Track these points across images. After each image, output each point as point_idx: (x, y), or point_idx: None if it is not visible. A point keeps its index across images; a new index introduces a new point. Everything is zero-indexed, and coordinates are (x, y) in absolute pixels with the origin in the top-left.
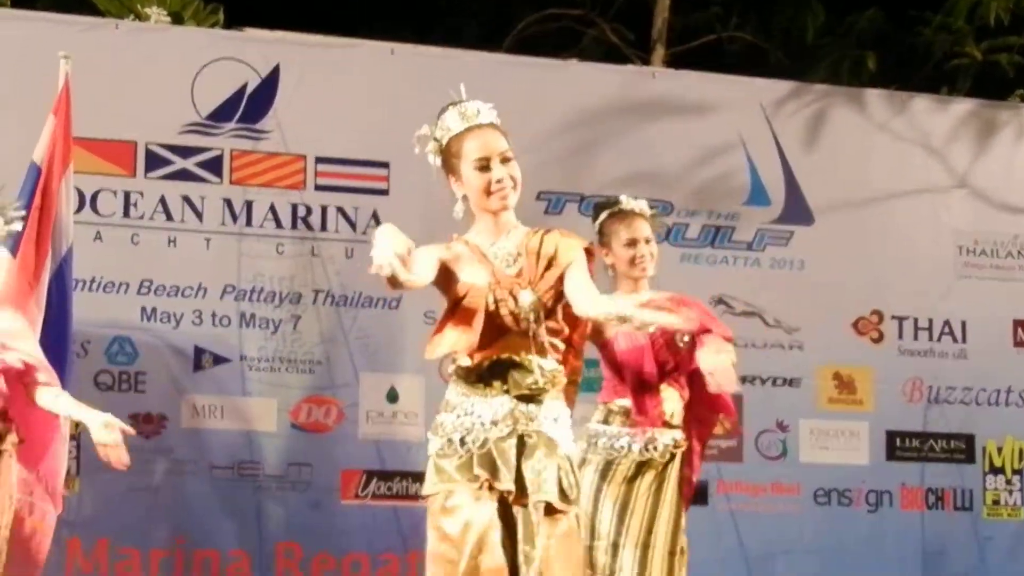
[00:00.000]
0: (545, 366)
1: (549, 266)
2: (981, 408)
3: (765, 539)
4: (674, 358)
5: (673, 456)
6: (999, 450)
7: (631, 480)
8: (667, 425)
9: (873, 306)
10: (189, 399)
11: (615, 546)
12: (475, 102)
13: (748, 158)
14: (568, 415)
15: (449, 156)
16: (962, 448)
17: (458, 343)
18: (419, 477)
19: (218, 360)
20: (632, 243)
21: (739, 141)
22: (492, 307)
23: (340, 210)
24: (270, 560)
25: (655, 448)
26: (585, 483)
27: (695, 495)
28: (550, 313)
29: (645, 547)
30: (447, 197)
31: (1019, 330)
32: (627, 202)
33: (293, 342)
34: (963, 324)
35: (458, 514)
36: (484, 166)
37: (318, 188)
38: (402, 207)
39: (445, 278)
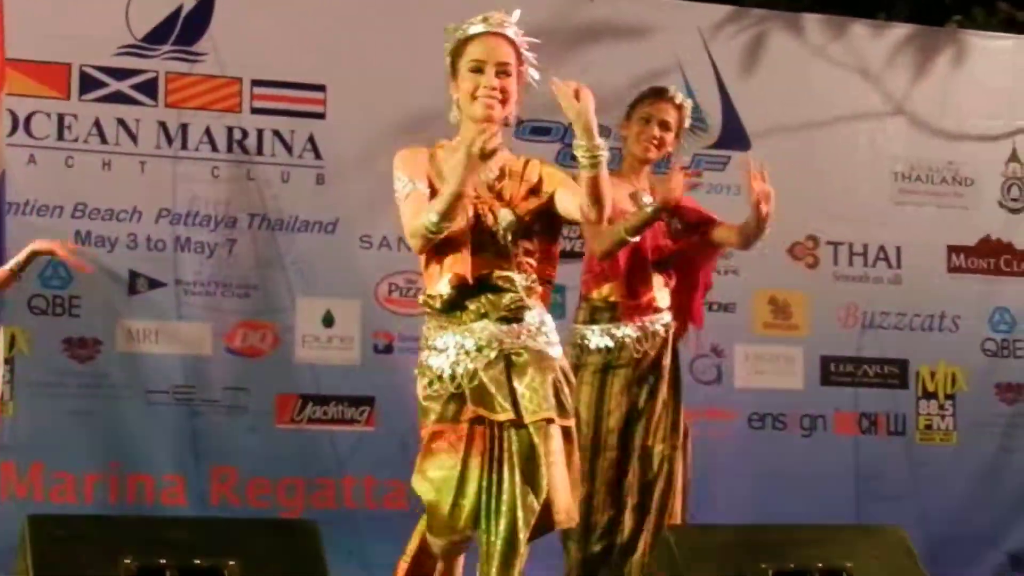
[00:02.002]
0: (520, 281)
1: (532, 191)
2: (915, 333)
3: (700, 464)
4: (667, 243)
5: (666, 340)
6: (932, 375)
7: (632, 383)
8: (656, 310)
9: (809, 231)
10: (124, 323)
11: (623, 455)
12: (505, 14)
13: (685, 83)
14: (550, 319)
15: (456, 56)
16: (896, 373)
17: (455, 266)
18: (355, 402)
19: (153, 284)
20: (647, 120)
21: (676, 66)
22: (472, 221)
23: (276, 133)
24: (205, 484)
25: (649, 338)
26: (584, 390)
27: None
28: (527, 235)
29: (648, 450)
30: (384, 121)
31: (953, 256)
32: (673, 91)
33: (229, 266)
34: (898, 250)
35: (440, 458)
36: (478, 69)
37: (254, 111)
38: (339, 130)
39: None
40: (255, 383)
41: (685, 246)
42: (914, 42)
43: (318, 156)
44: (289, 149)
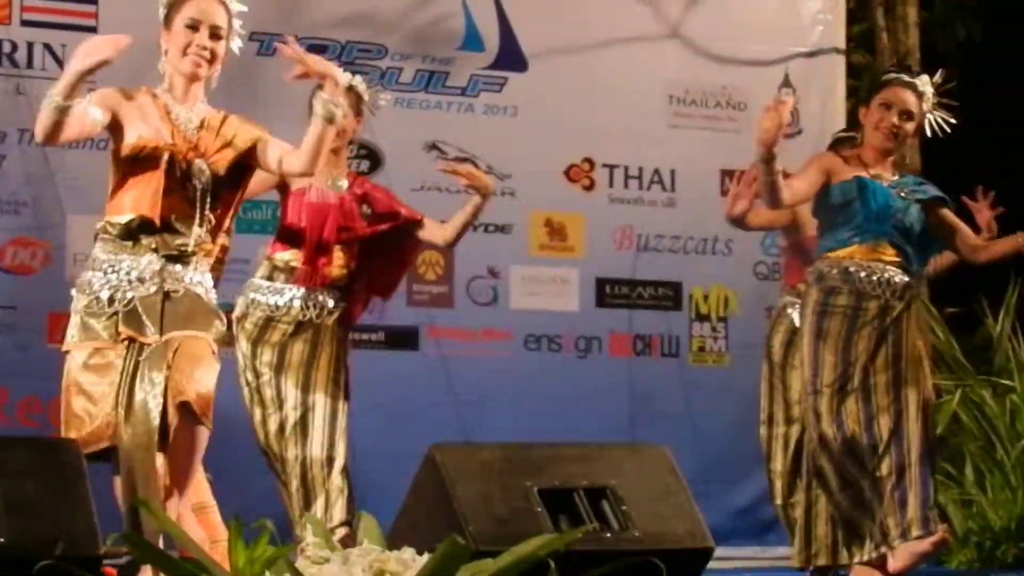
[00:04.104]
0: (197, 230)
1: (225, 145)
2: (689, 256)
3: (476, 385)
4: (354, 223)
5: (331, 315)
6: (705, 298)
7: (288, 339)
8: (331, 285)
9: (585, 154)
10: None
11: (278, 383)
12: None
13: (463, 3)
14: (212, 285)
15: (171, 9)
16: (670, 296)
17: (142, 206)
18: None
19: None
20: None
21: None
22: (165, 166)
23: (47, 47)
24: None
25: (316, 307)
26: (242, 337)
27: (405, 340)
28: (216, 186)
29: (305, 408)
30: (156, 34)
31: (726, 180)
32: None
33: None
34: (672, 173)
35: (101, 373)
36: (193, 26)
37: (24, 24)
38: None
39: (117, 124)
40: (26, 301)
41: (373, 232)
42: None
43: None
44: (60, 63)
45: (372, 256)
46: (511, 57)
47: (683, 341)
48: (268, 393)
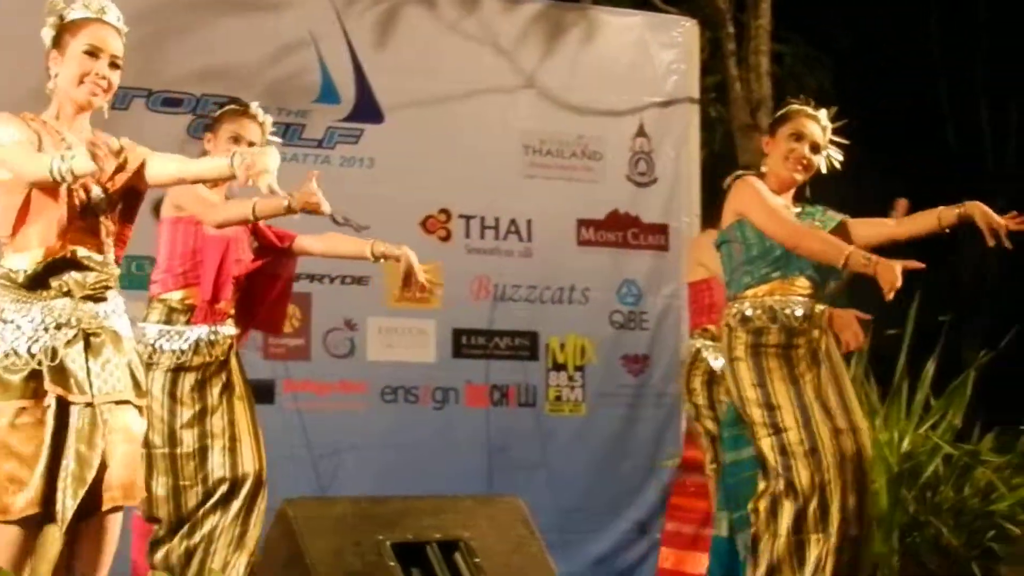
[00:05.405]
0: (106, 261)
1: (119, 170)
2: (545, 306)
3: (332, 437)
4: (246, 256)
5: (231, 346)
6: (562, 347)
7: (203, 384)
8: (227, 317)
9: (441, 204)
10: None
11: (202, 449)
12: (110, 3)
13: (319, 56)
14: (122, 301)
15: (64, 31)
16: (526, 345)
17: (48, 239)
18: None
19: None
20: (236, 139)
21: (310, 39)
22: (66, 196)
23: None
24: None
25: (220, 343)
26: (155, 389)
27: (261, 393)
28: (113, 213)
29: (233, 441)
30: (26, 86)
31: (582, 229)
32: (254, 108)
33: None
34: (529, 223)
35: (29, 432)
36: (92, 54)
37: None
38: None
39: None
40: None
41: (261, 265)
42: (545, 17)
43: None
44: None
45: (254, 292)
46: (367, 109)
47: (540, 390)
48: (189, 466)
